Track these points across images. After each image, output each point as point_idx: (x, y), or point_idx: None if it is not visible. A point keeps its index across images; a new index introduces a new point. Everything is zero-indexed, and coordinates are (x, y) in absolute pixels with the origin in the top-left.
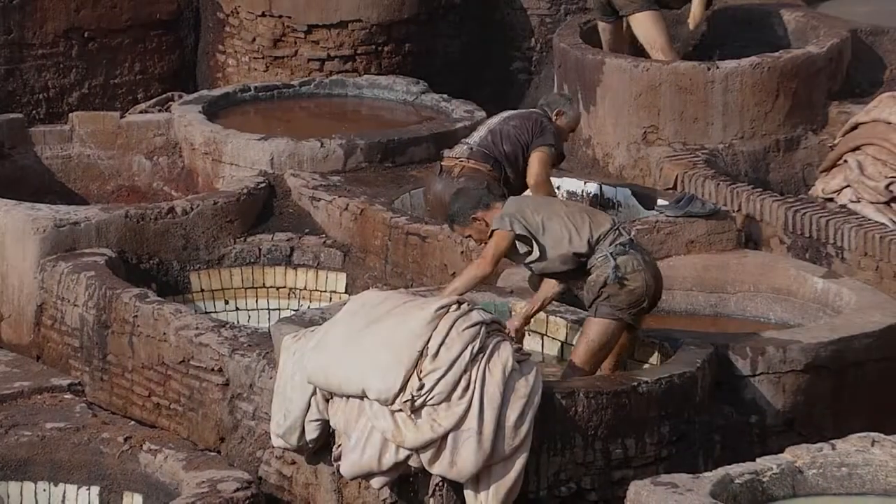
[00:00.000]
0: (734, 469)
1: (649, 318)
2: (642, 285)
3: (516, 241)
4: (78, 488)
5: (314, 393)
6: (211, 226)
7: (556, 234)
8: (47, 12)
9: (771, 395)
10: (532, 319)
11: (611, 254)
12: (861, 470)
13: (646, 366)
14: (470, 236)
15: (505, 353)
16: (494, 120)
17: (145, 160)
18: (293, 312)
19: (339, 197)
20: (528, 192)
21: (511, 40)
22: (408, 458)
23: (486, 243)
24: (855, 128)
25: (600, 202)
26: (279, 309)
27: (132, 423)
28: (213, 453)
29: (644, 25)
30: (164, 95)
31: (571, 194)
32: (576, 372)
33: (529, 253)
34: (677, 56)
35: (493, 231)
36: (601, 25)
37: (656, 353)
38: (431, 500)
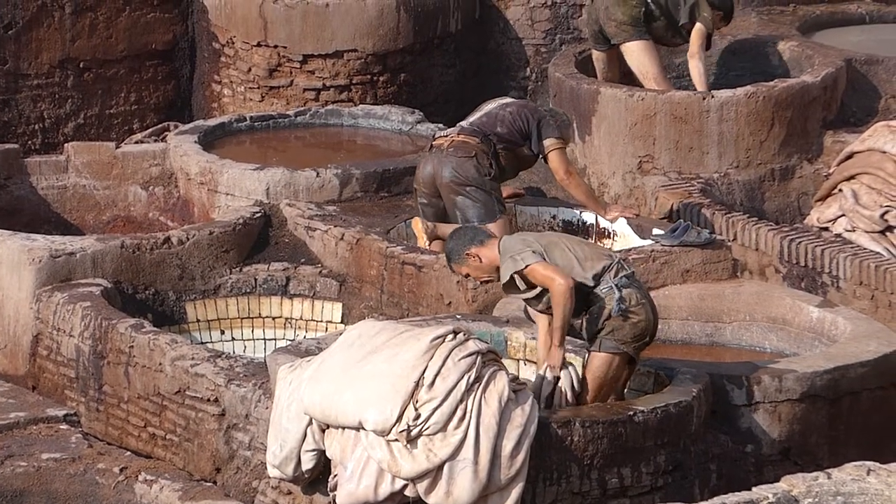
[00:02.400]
0: (730, 498)
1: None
2: (645, 318)
3: (516, 277)
4: None
5: (310, 423)
6: (207, 256)
7: (560, 265)
8: (43, 42)
9: (767, 425)
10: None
11: (616, 285)
12: (857, 499)
13: (642, 395)
14: (467, 275)
15: (501, 382)
16: (491, 105)
17: (141, 190)
18: (289, 342)
19: (335, 227)
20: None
21: (506, 70)
22: (404, 488)
23: (481, 281)
24: (850, 157)
25: (596, 232)
26: (275, 339)
27: (128, 453)
28: (209, 484)
29: (636, 55)
30: (160, 126)
31: (567, 224)
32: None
33: (533, 287)
34: (671, 86)
35: (527, 267)
36: (595, 54)
37: (652, 382)
38: None
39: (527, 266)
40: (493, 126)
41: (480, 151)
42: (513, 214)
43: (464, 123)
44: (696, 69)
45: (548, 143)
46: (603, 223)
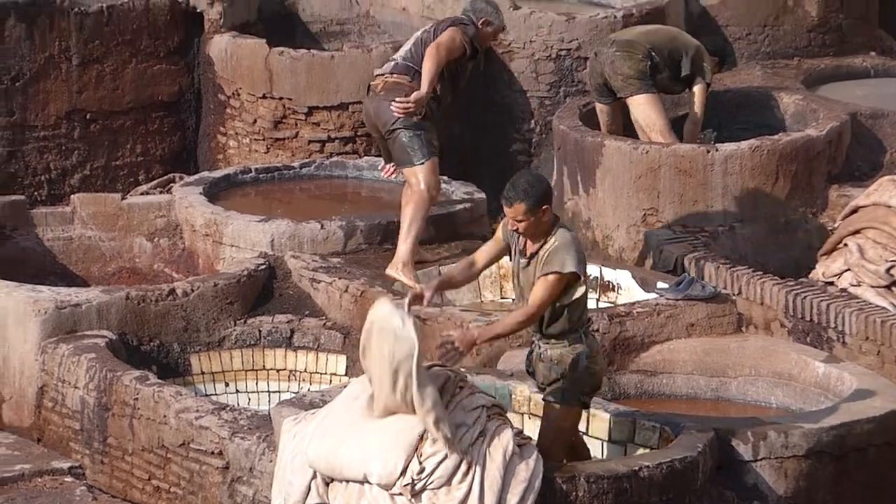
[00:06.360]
0: None
1: (650, 402)
2: (601, 368)
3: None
4: None
5: (314, 476)
6: (211, 308)
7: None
8: (50, 94)
9: (773, 480)
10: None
11: (584, 334)
12: None
13: (647, 450)
14: (520, 222)
15: (506, 436)
16: (418, 32)
17: (146, 242)
18: (293, 395)
19: (340, 279)
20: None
21: (511, 122)
22: None
23: (517, 230)
24: (855, 211)
25: (600, 284)
26: (279, 391)
27: None
28: None
29: (642, 108)
30: (166, 177)
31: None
32: (548, 460)
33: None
34: (676, 139)
35: (554, 273)
36: (598, 107)
37: (657, 438)
38: None
39: (567, 272)
40: (421, 54)
41: (411, 90)
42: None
43: (397, 57)
44: (695, 129)
45: (447, 29)
46: (608, 276)
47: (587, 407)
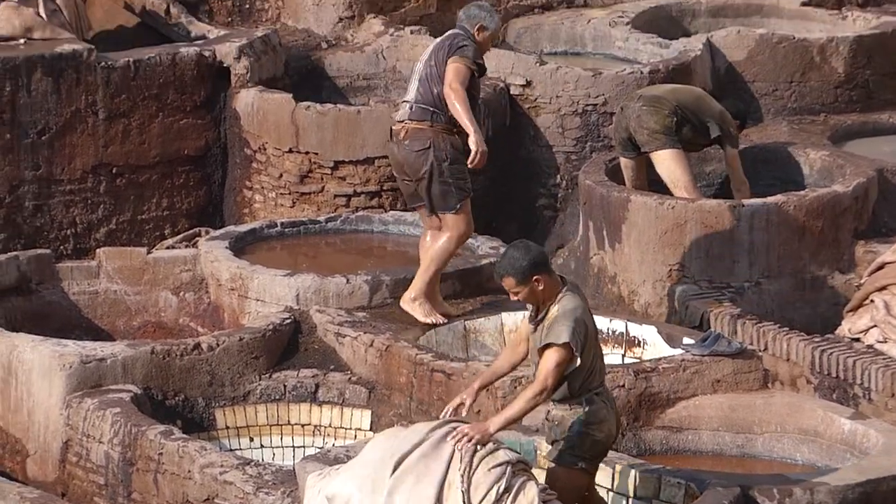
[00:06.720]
0: None
1: (675, 459)
2: (606, 435)
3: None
4: None
5: None
6: (236, 362)
7: (582, 366)
8: (76, 148)
9: None
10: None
11: (586, 400)
12: None
13: None
14: (516, 294)
15: (531, 492)
16: (420, 66)
17: (172, 296)
18: (318, 450)
19: (365, 333)
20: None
21: (536, 177)
22: None
23: (519, 300)
24: (881, 267)
25: (626, 340)
26: (304, 446)
27: None
28: None
29: (667, 163)
30: (191, 231)
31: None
32: None
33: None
34: (701, 194)
35: (552, 345)
36: (623, 161)
37: (683, 494)
38: None
39: (562, 343)
40: (431, 91)
41: (434, 136)
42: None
43: (410, 100)
44: (744, 192)
45: (451, 56)
46: (633, 331)
47: (590, 472)
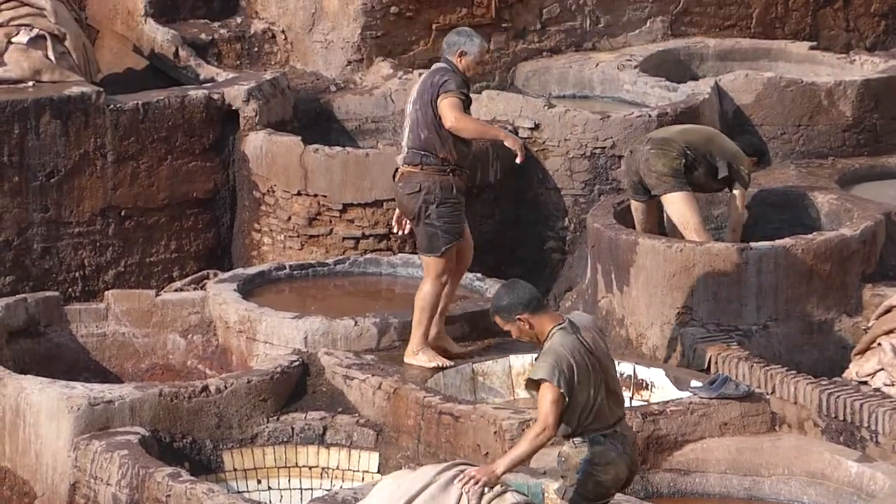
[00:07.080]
0: None
1: (683, 501)
2: (613, 478)
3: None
4: None
5: None
6: (244, 404)
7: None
8: (84, 191)
9: None
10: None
11: (591, 439)
12: None
13: None
14: (508, 332)
15: None
16: (409, 109)
17: (180, 338)
18: (326, 492)
19: (373, 376)
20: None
21: (545, 220)
22: None
23: (535, 342)
24: (889, 310)
25: (634, 383)
26: (312, 489)
27: None
28: None
29: (677, 206)
30: (200, 273)
31: None
32: None
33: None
34: (710, 237)
35: (543, 382)
36: (633, 204)
37: None
38: None
39: (543, 381)
40: (419, 136)
41: (425, 178)
42: None
43: (404, 144)
44: (735, 234)
45: (438, 96)
46: (641, 374)
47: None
